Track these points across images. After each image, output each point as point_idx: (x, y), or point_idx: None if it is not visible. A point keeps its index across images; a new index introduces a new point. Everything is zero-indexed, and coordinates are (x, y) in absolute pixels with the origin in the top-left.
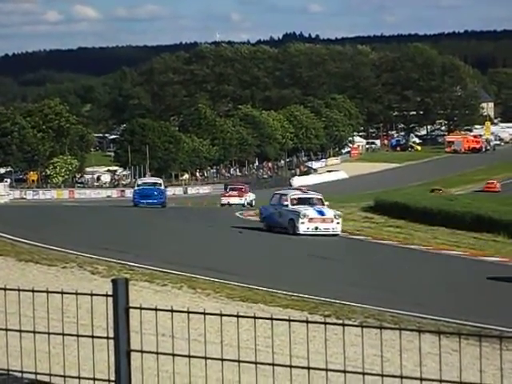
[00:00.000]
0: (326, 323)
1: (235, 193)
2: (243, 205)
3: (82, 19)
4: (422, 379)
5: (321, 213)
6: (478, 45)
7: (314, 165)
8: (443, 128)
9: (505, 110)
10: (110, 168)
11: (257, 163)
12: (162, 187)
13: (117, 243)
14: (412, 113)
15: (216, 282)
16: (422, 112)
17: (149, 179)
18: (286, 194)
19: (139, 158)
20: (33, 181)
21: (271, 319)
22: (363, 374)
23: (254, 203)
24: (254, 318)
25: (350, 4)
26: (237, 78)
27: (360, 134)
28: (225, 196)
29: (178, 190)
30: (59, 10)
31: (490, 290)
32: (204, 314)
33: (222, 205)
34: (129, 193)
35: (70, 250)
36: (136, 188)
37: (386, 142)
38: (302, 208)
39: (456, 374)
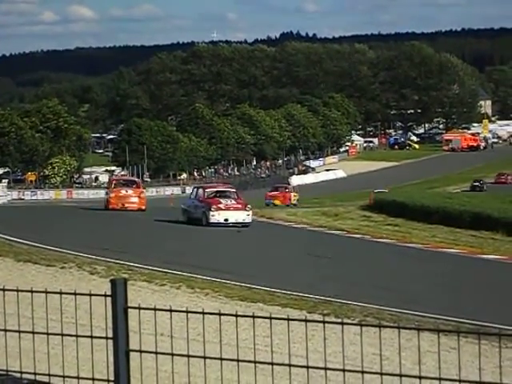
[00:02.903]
0: (324, 322)
1: None
2: None
3: (79, 19)
4: (420, 377)
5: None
6: (476, 43)
7: (312, 164)
8: (441, 126)
9: (502, 107)
10: (108, 168)
11: (255, 162)
12: None
13: (115, 243)
14: (410, 111)
15: (215, 281)
16: (419, 110)
17: None
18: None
19: (137, 158)
20: (31, 181)
21: (270, 318)
22: (362, 372)
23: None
24: (253, 317)
25: (346, 3)
26: (234, 77)
27: (358, 132)
28: None
29: (176, 190)
30: (56, 10)
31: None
32: (203, 313)
33: None
34: None
35: (68, 251)
36: None
37: (383, 140)
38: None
39: (455, 371)
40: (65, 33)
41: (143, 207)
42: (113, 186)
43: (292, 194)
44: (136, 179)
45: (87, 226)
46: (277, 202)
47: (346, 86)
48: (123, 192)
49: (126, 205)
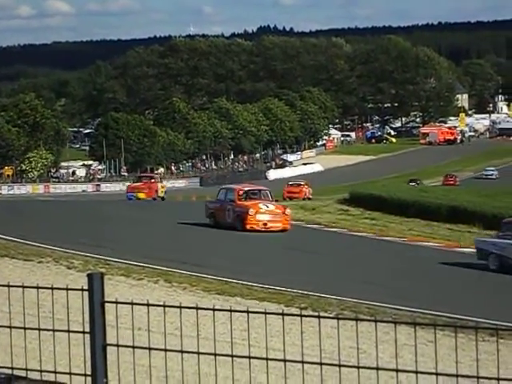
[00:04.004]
0: (301, 315)
1: None
2: None
3: (55, 13)
4: (397, 370)
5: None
6: (452, 36)
7: (290, 158)
8: (418, 120)
9: (479, 101)
10: (85, 162)
11: (232, 156)
12: None
13: (93, 237)
14: (387, 105)
15: (192, 275)
16: (396, 104)
17: None
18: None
19: (114, 152)
20: (8, 176)
21: (247, 312)
22: (339, 365)
23: None
24: (230, 311)
25: None
26: (211, 71)
27: (335, 126)
28: None
29: None
30: (32, 4)
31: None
32: (180, 307)
33: None
34: (104, 187)
35: (45, 245)
36: None
37: (360, 134)
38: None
39: (432, 365)
40: (41, 27)
41: (288, 227)
42: (241, 197)
43: (159, 185)
44: (265, 188)
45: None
46: (141, 195)
47: (323, 80)
48: (263, 208)
49: (270, 224)
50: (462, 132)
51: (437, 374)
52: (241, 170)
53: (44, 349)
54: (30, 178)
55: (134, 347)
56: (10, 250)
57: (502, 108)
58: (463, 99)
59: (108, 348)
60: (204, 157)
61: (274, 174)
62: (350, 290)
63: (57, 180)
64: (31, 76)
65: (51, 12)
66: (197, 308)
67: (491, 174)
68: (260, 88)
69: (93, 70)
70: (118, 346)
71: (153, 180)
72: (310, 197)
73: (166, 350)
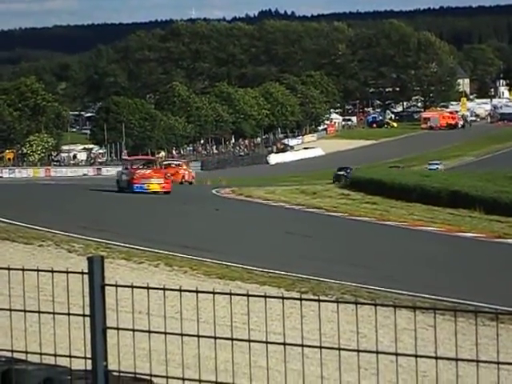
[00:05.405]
0: (301, 299)
1: None
2: None
3: None
4: (397, 354)
5: None
6: (454, 21)
7: (291, 142)
8: (419, 104)
9: (480, 86)
10: (86, 146)
11: (233, 140)
12: None
13: (94, 221)
14: (388, 89)
15: (193, 259)
16: (398, 88)
17: None
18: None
19: (115, 136)
20: (9, 159)
21: (247, 295)
22: (339, 349)
23: None
24: (230, 294)
25: None
26: (212, 55)
27: (336, 110)
28: None
29: None
30: None
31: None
32: (180, 290)
33: None
34: (105, 171)
35: (46, 229)
36: None
37: (362, 118)
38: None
39: (432, 349)
40: (42, 10)
41: None
42: None
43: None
44: None
45: None
46: (154, 186)
47: (324, 64)
48: None
49: None
50: (464, 117)
51: (437, 358)
52: (242, 154)
53: (44, 332)
54: (31, 162)
55: (134, 330)
56: (10, 233)
57: (503, 93)
58: (464, 84)
59: (108, 331)
60: (205, 141)
61: (275, 159)
62: (351, 274)
63: (58, 164)
64: (32, 59)
65: None
66: (197, 291)
67: (435, 169)
68: (261, 72)
69: (94, 54)
70: (118, 329)
71: (178, 165)
72: (192, 181)
73: (166, 333)
